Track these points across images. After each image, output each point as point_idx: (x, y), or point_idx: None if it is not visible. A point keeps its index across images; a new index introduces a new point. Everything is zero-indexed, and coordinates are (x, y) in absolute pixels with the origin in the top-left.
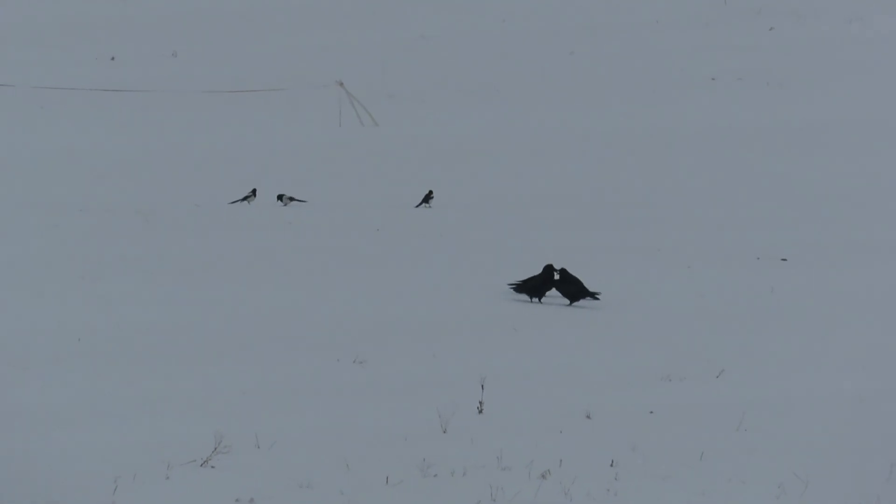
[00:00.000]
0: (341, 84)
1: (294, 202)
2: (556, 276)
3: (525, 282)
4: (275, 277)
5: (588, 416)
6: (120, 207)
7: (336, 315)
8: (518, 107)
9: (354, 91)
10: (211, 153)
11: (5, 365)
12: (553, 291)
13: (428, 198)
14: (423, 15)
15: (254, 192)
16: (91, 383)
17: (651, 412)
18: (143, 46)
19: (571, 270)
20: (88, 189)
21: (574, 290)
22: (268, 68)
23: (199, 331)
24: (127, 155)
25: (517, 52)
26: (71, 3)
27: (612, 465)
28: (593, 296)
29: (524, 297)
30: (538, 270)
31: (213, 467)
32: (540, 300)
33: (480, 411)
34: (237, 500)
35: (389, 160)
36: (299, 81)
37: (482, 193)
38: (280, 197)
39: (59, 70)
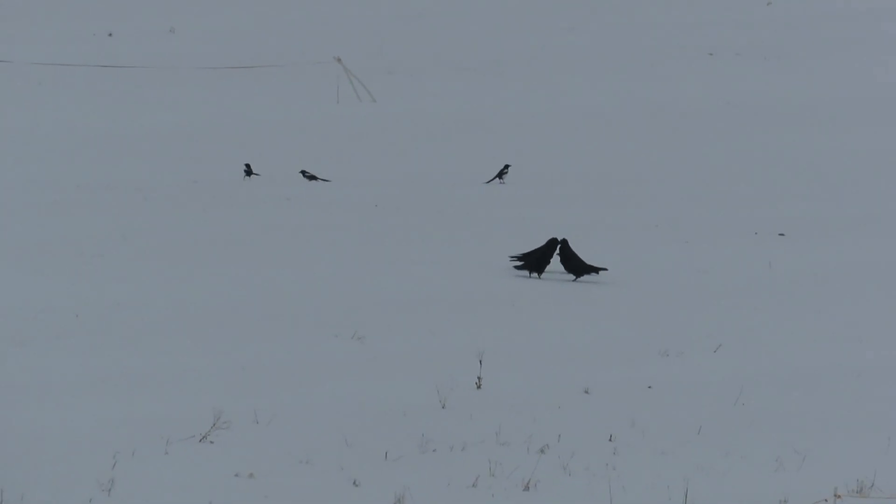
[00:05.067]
0: (339, 60)
1: (317, 181)
2: (558, 250)
3: (527, 254)
4: (273, 253)
5: (586, 392)
6: (118, 184)
7: (335, 291)
8: (516, 83)
9: (352, 67)
10: (208, 129)
11: (3, 342)
12: (553, 266)
13: (502, 173)
14: None
15: (248, 167)
16: (89, 360)
17: (649, 387)
18: (141, 22)
19: (573, 245)
20: (86, 166)
21: (579, 265)
22: (266, 44)
23: (198, 307)
24: (125, 131)
25: (516, 29)
26: None
27: (610, 440)
28: (598, 270)
29: (524, 273)
30: (536, 245)
31: (211, 443)
32: (540, 275)
33: (479, 387)
34: (236, 475)
35: (387, 136)
36: (297, 57)
37: (481, 169)
38: (304, 172)
39: (57, 46)
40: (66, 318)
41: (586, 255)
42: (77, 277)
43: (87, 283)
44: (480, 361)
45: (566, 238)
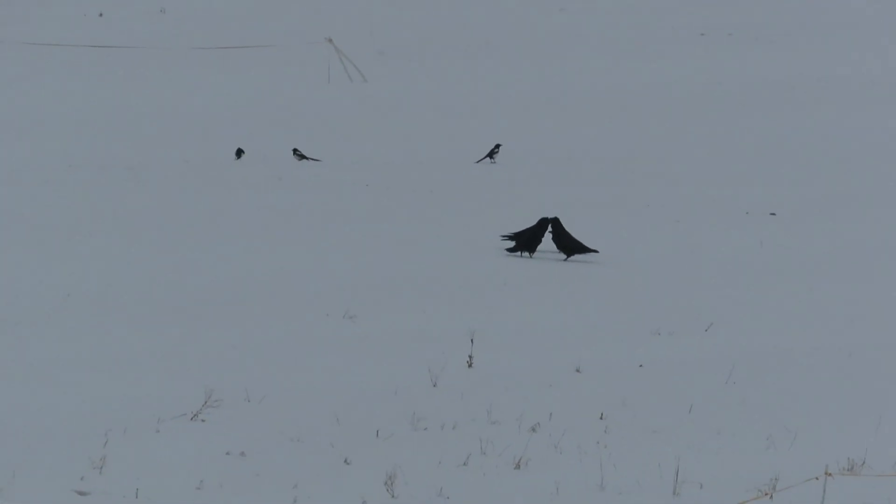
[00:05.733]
0: (330, 41)
1: (307, 160)
2: (550, 230)
3: (518, 234)
4: (264, 233)
5: (578, 371)
6: (109, 164)
7: (326, 270)
8: (508, 63)
9: (344, 48)
10: (199, 110)
11: None
12: (546, 246)
13: (493, 152)
14: None
15: (239, 151)
16: (80, 339)
17: (641, 366)
18: (132, 3)
19: (564, 225)
20: (77, 146)
21: (571, 244)
22: (257, 25)
23: (189, 287)
24: (115, 112)
25: (507, 8)
26: None
27: (601, 419)
28: (590, 250)
29: (515, 252)
30: (527, 226)
31: (203, 421)
32: (531, 254)
33: (470, 365)
34: (228, 453)
35: (378, 116)
36: (288, 38)
37: (472, 149)
38: (295, 151)
39: (48, 27)
40: (56, 298)
41: (578, 235)
42: (68, 257)
43: (78, 263)
44: (472, 340)
45: (557, 217)
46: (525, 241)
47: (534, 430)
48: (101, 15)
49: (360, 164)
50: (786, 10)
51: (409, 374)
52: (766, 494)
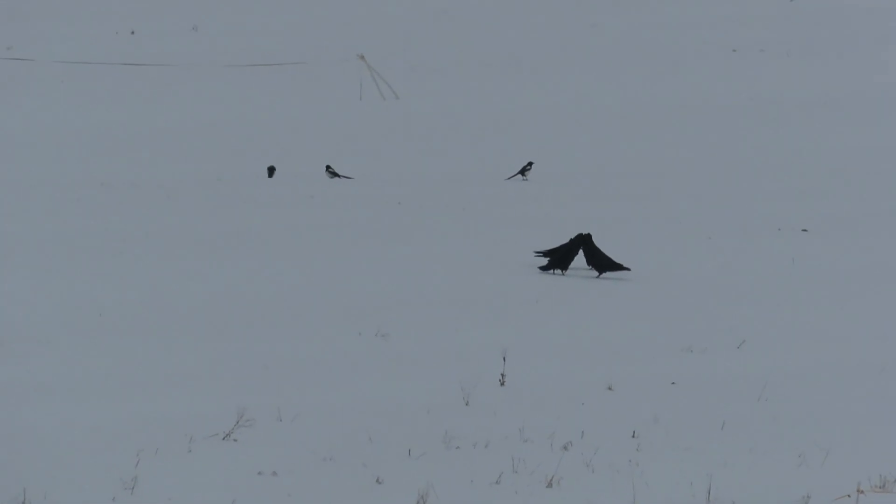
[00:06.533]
0: (362, 57)
1: (338, 178)
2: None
3: (552, 250)
4: (297, 252)
5: (610, 388)
6: (142, 182)
7: (359, 289)
8: (540, 80)
9: (376, 65)
10: (232, 128)
11: (28, 340)
12: (577, 263)
13: (525, 169)
14: None
15: (271, 169)
16: (113, 358)
17: (673, 383)
18: (164, 20)
19: (595, 242)
20: (110, 163)
21: (603, 260)
22: (289, 42)
23: (222, 305)
24: (148, 129)
25: (539, 25)
26: None
27: (633, 437)
28: (622, 267)
29: (548, 270)
30: (559, 242)
31: (235, 440)
32: (564, 272)
33: (503, 384)
34: (260, 473)
35: (410, 134)
36: (320, 55)
37: (504, 166)
38: (327, 168)
39: (80, 44)
40: (89, 316)
41: (609, 252)
42: (100, 275)
43: (111, 281)
44: (504, 358)
45: (590, 233)
46: (558, 258)
47: (566, 448)
48: (132, 32)
49: (392, 181)
50: (817, 26)
51: (441, 393)
52: None
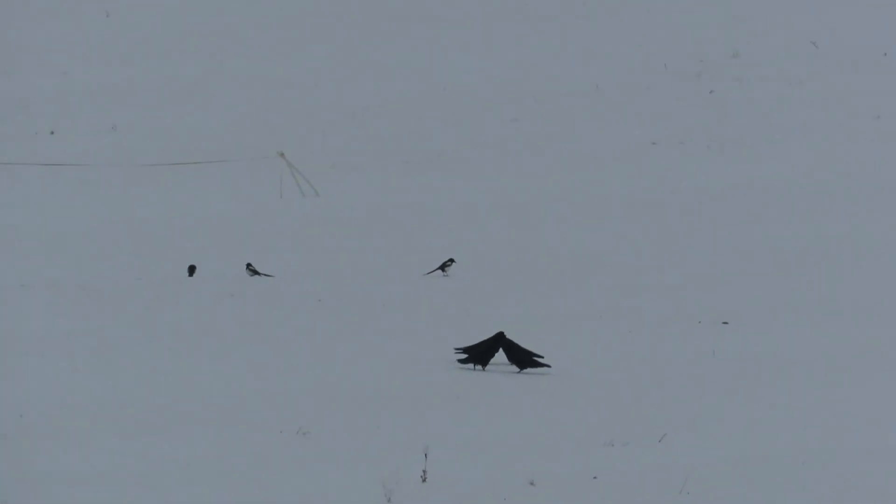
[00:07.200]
0: (282, 155)
1: (259, 276)
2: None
3: (472, 347)
4: (216, 350)
5: (532, 483)
6: (60, 282)
7: (278, 387)
8: (461, 175)
9: (296, 162)
10: (153, 226)
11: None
12: (498, 358)
13: (445, 265)
14: (365, 85)
15: (191, 268)
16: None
17: (594, 478)
18: (83, 120)
19: (516, 337)
20: (27, 263)
21: (523, 356)
22: (208, 140)
23: (138, 404)
24: (66, 229)
25: (460, 120)
26: (10, 79)
27: None
28: (542, 363)
29: (468, 365)
30: (479, 338)
31: None
32: (484, 367)
33: (424, 480)
34: None
35: (331, 230)
36: (240, 153)
37: (425, 261)
38: (248, 266)
39: None
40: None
41: (530, 346)
42: (19, 378)
43: (29, 383)
44: (426, 455)
45: (502, 331)
46: (479, 355)
47: None
48: (52, 133)
49: (313, 278)
50: (736, 118)
51: (362, 491)
52: None
